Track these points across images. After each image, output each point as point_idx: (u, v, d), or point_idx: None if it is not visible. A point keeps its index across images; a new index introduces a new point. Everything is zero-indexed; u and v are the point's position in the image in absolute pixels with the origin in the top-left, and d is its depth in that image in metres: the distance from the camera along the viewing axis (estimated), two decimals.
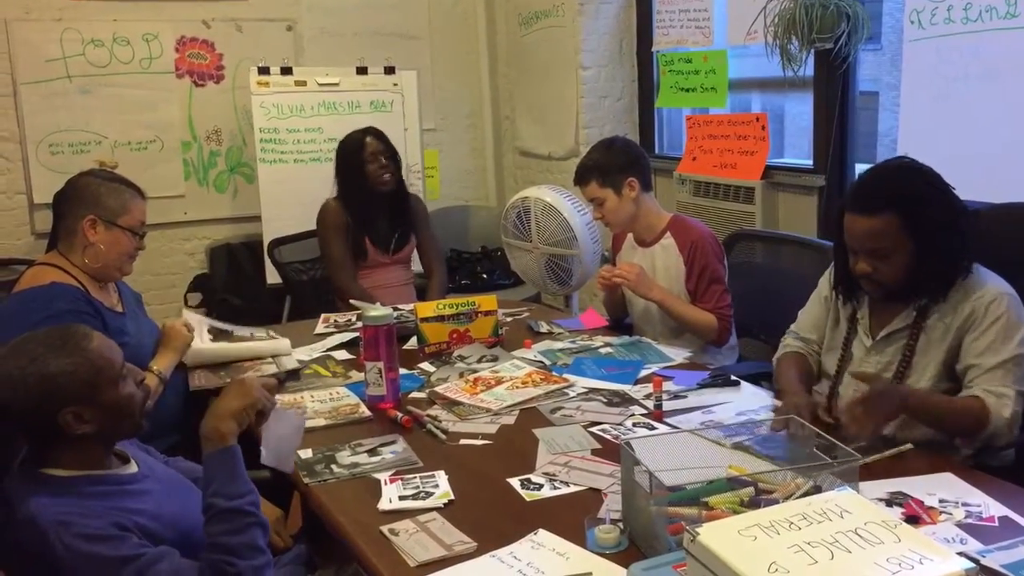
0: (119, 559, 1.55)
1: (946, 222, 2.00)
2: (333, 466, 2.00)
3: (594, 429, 2.16)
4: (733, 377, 2.43)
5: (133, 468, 1.77)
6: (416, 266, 3.90)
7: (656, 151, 4.81)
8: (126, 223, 2.48)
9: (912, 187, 2.02)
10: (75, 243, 2.45)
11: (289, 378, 2.57)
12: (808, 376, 2.30)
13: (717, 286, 2.85)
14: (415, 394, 2.44)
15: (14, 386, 1.59)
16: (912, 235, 1.99)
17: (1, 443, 1.67)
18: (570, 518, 1.69)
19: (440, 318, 2.80)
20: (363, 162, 3.58)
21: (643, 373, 2.53)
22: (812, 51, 3.49)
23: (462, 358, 2.70)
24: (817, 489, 1.53)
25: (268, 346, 2.74)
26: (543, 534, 1.65)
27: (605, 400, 2.35)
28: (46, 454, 1.66)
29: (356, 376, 2.55)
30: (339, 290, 3.61)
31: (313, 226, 3.78)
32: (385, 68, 4.80)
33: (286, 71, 4.67)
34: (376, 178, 3.59)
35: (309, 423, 2.24)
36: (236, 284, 4.80)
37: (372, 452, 2.06)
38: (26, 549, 1.57)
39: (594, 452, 2.03)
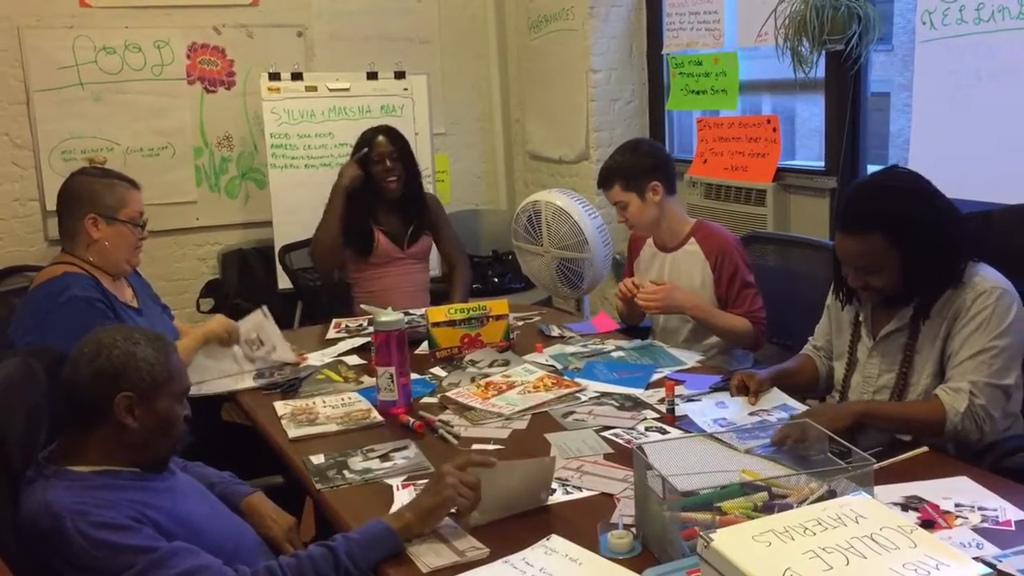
0: (134, 548, 1.56)
1: (933, 232, 2.02)
2: (345, 471, 2.00)
3: (606, 433, 2.15)
4: None
5: None
6: (435, 270, 3.88)
7: None
8: (126, 216, 2.52)
9: (896, 204, 2.04)
10: (79, 243, 2.49)
11: (291, 388, 2.56)
12: (800, 372, 2.38)
13: (749, 290, 2.83)
14: (427, 399, 2.44)
15: (99, 350, 1.67)
16: (900, 250, 2.02)
17: (27, 438, 1.70)
18: (583, 523, 1.69)
19: (451, 323, 2.80)
20: (370, 160, 3.54)
21: (655, 377, 2.52)
22: (823, 52, 3.47)
23: (473, 363, 2.70)
24: (831, 494, 1.52)
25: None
26: (556, 539, 1.64)
27: (617, 404, 2.34)
28: (72, 451, 1.67)
29: (368, 381, 2.55)
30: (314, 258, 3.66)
31: None
32: (395, 73, 4.81)
33: (296, 76, 4.68)
34: (381, 180, 3.54)
35: (320, 428, 2.25)
36: (248, 289, 4.80)
37: (384, 457, 2.06)
38: (40, 539, 1.58)
39: (606, 456, 2.02)
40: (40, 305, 2.40)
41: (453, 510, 1.71)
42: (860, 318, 2.24)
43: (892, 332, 2.15)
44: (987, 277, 2.05)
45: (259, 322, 2.77)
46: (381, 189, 3.56)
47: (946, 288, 2.05)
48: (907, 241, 2.01)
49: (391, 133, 3.61)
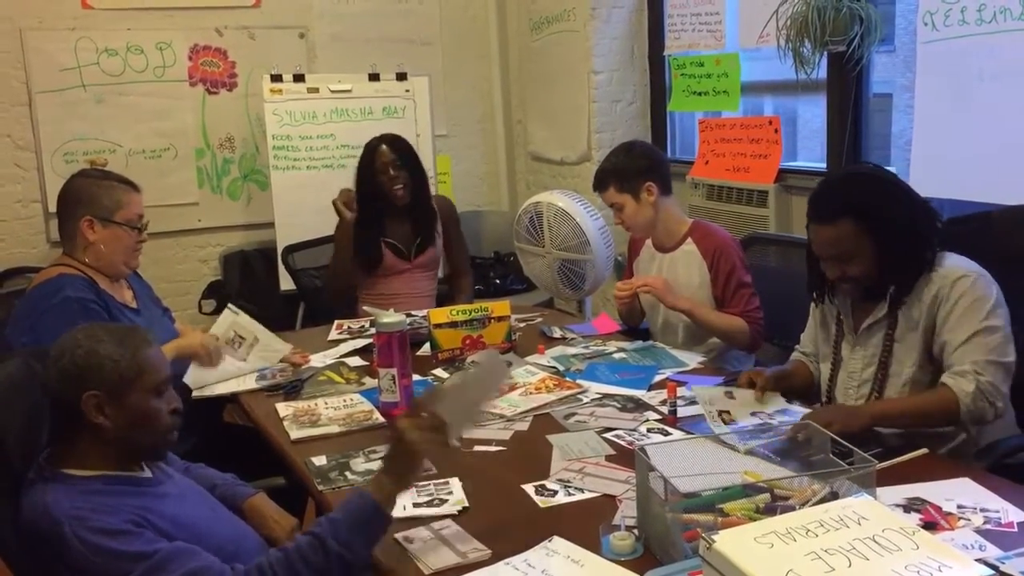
0: (134, 554, 1.55)
1: (901, 218, 2.07)
2: (347, 473, 2.00)
3: (608, 435, 2.15)
4: None
5: (147, 473, 1.77)
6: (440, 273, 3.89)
7: (668, 155, 4.79)
8: (123, 218, 2.52)
9: (862, 191, 2.11)
10: (77, 245, 2.51)
11: (293, 389, 2.56)
12: (797, 374, 2.40)
13: (745, 290, 2.83)
14: None
15: (63, 353, 1.66)
16: (870, 235, 2.06)
17: (27, 439, 1.71)
18: (585, 525, 1.69)
19: (453, 324, 2.80)
20: (375, 172, 3.53)
21: (657, 378, 2.52)
22: (825, 54, 3.47)
23: (475, 364, 2.69)
24: (834, 495, 1.52)
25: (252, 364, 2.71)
26: (558, 541, 1.64)
27: (619, 405, 2.34)
28: (66, 453, 1.67)
29: (370, 382, 2.55)
30: (328, 292, 3.69)
31: (327, 232, 3.78)
32: (397, 74, 4.81)
33: (298, 78, 4.68)
34: (388, 189, 3.52)
35: (322, 430, 2.25)
36: (250, 291, 4.81)
37: None
38: (39, 542, 1.58)
39: (608, 458, 2.02)
40: (34, 307, 2.42)
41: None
42: (841, 316, 2.26)
43: (871, 325, 2.18)
44: (959, 264, 2.09)
45: (231, 321, 2.73)
46: (390, 197, 3.54)
47: (919, 274, 2.09)
48: (876, 225, 2.06)
49: (393, 142, 3.58)
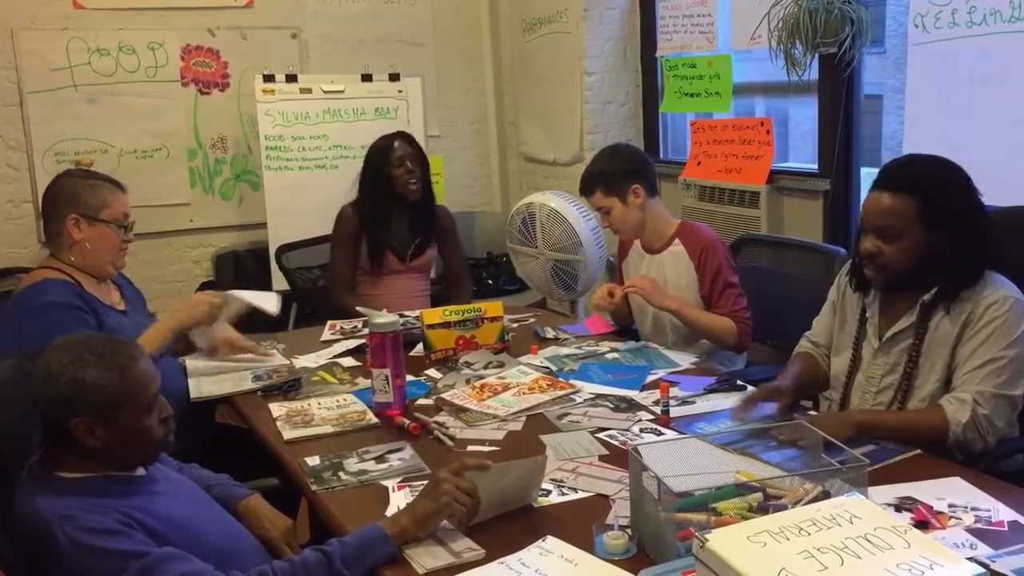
0: (124, 553, 1.55)
1: (963, 220, 2.00)
2: (341, 473, 2.00)
3: (601, 435, 2.15)
4: (739, 382, 2.43)
5: (140, 471, 1.77)
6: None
7: (660, 156, 4.81)
8: (108, 216, 2.51)
9: (937, 178, 2.04)
10: (63, 244, 2.50)
11: (292, 388, 2.56)
12: (810, 373, 2.33)
13: (731, 290, 2.83)
14: (422, 401, 2.44)
15: (48, 378, 1.63)
16: (925, 224, 1.99)
17: (21, 441, 1.71)
18: (578, 524, 1.70)
19: (446, 324, 2.80)
20: (390, 166, 3.52)
21: (650, 378, 2.53)
22: (816, 55, 3.49)
23: (468, 364, 2.70)
24: (826, 494, 1.52)
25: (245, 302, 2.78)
26: (551, 541, 1.65)
27: (612, 406, 2.35)
28: (58, 458, 1.67)
29: (363, 383, 2.55)
30: (333, 301, 3.60)
31: (319, 233, 3.78)
32: (390, 75, 4.81)
33: (291, 79, 4.68)
34: (402, 184, 3.52)
35: (315, 430, 2.25)
36: None
37: (380, 459, 2.06)
38: (30, 543, 1.58)
39: (601, 458, 2.03)
40: (16, 311, 2.40)
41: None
42: (867, 315, 2.20)
43: (898, 333, 2.11)
44: (1000, 287, 2.02)
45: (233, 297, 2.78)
46: (403, 192, 3.54)
47: (960, 287, 2.02)
48: (935, 217, 1.99)
49: (407, 137, 3.62)
